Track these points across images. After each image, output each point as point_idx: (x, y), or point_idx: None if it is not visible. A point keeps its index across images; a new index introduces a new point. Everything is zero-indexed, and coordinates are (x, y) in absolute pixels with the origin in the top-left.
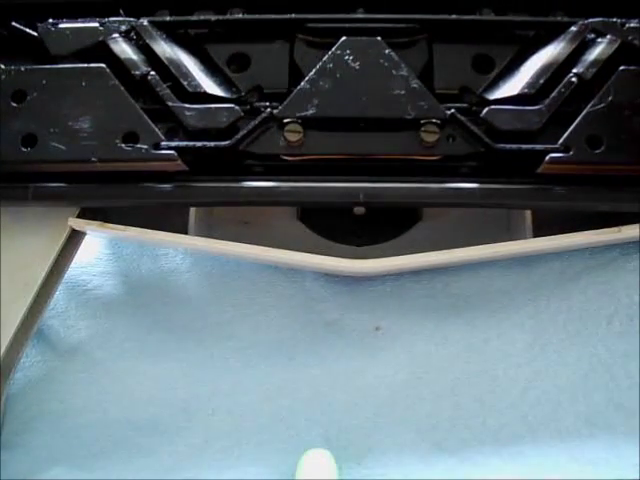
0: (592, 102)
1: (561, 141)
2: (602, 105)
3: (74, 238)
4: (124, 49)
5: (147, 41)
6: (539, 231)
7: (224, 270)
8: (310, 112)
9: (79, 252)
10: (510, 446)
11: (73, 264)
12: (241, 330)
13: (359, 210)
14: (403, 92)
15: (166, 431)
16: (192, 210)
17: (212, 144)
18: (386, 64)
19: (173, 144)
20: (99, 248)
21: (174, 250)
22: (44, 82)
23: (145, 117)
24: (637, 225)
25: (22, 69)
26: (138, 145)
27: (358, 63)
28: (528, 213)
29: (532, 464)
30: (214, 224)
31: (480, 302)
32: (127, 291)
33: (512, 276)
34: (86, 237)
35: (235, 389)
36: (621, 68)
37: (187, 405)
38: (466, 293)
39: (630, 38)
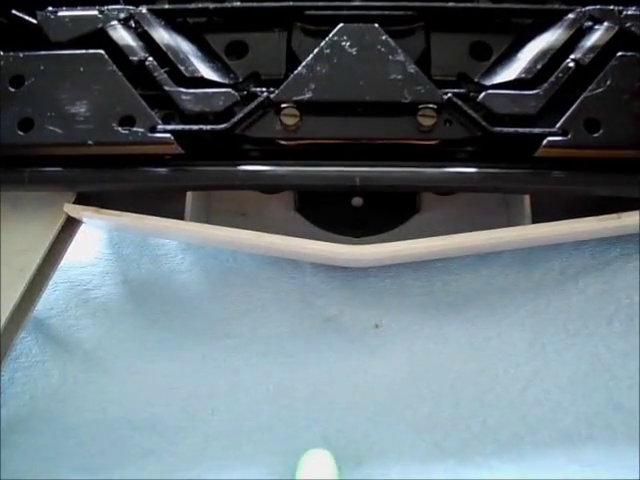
0: (590, 86)
1: (559, 125)
2: (600, 89)
3: (70, 225)
4: (122, 36)
5: (146, 28)
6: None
7: (223, 268)
8: (307, 96)
9: (79, 252)
10: (510, 446)
11: (73, 264)
12: (240, 327)
13: (357, 201)
14: (400, 77)
15: (166, 431)
16: (188, 201)
17: (208, 127)
18: (383, 49)
19: (169, 127)
20: (99, 248)
21: (173, 250)
22: (42, 67)
23: (142, 101)
24: (637, 212)
25: (20, 55)
26: (134, 128)
27: (355, 49)
28: (527, 205)
29: (532, 465)
30: (211, 215)
31: (480, 301)
32: (127, 291)
33: (512, 275)
34: (86, 237)
35: (235, 389)
36: (619, 54)
37: (187, 405)
38: (466, 291)
39: (628, 25)
